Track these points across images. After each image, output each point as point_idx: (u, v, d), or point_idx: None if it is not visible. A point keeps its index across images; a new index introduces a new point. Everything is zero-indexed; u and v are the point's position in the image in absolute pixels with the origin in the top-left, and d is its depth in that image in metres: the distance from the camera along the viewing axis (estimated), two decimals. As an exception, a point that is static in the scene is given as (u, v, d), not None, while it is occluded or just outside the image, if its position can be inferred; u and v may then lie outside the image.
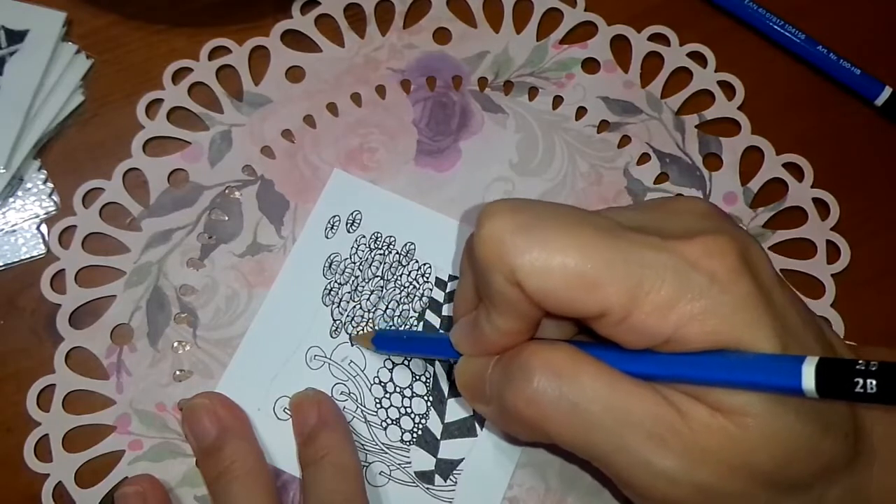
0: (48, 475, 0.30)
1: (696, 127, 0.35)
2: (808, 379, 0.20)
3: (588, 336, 0.25)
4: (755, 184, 0.35)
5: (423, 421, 0.31)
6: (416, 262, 0.33)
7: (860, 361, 0.19)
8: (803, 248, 0.34)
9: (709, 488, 0.22)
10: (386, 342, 0.31)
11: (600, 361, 0.23)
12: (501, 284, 0.23)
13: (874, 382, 0.19)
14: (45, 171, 0.34)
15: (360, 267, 0.33)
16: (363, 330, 0.32)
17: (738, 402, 0.22)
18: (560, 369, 0.23)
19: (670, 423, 0.22)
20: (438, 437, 0.31)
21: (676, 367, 0.23)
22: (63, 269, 0.33)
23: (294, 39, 0.36)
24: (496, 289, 0.23)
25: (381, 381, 0.32)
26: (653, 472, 0.23)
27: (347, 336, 0.32)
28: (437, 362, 0.32)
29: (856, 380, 0.19)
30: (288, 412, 0.31)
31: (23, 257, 0.33)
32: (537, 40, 0.37)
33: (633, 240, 0.23)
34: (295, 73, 0.36)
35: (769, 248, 0.34)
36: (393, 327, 0.32)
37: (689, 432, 0.22)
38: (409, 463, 0.31)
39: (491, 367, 0.26)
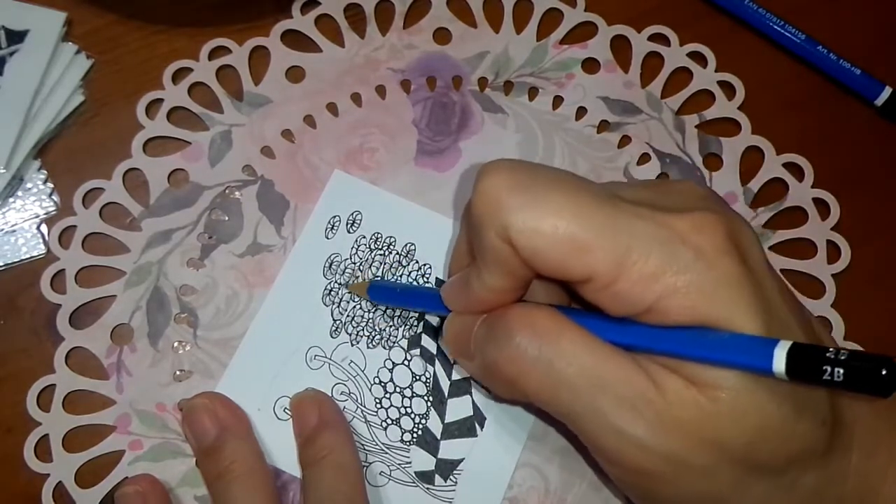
0: (48, 475, 0.30)
1: (696, 127, 0.35)
2: (779, 362, 0.20)
3: (577, 303, 0.26)
4: (755, 184, 0.35)
5: (423, 421, 0.31)
6: (417, 262, 0.33)
7: (831, 349, 0.19)
8: (804, 248, 0.34)
9: (677, 459, 0.23)
10: (380, 293, 0.32)
11: (581, 327, 0.24)
12: (493, 240, 0.23)
13: (841, 371, 0.19)
14: (45, 171, 0.34)
15: (361, 267, 0.33)
16: (363, 330, 0.32)
17: (712, 377, 0.22)
18: (541, 330, 0.24)
19: (643, 391, 0.23)
20: (438, 437, 0.31)
21: (655, 340, 0.23)
22: (63, 269, 0.33)
23: (294, 39, 0.36)
24: (488, 244, 0.24)
25: (381, 381, 0.32)
26: (623, 438, 0.23)
27: (347, 336, 0.32)
28: (437, 363, 0.32)
29: (824, 367, 0.19)
30: (288, 412, 0.31)
31: (23, 257, 0.33)
32: (537, 40, 0.36)
33: (625, 209, 0.23)
34: (295, 73, 0.36)
35: (769, 249, 0.34)
36: (393, 327, 0.32)
37: (662, 402, 0.22)
38: (410, 463, 0.31)
39: (477, 326, 0.26)
